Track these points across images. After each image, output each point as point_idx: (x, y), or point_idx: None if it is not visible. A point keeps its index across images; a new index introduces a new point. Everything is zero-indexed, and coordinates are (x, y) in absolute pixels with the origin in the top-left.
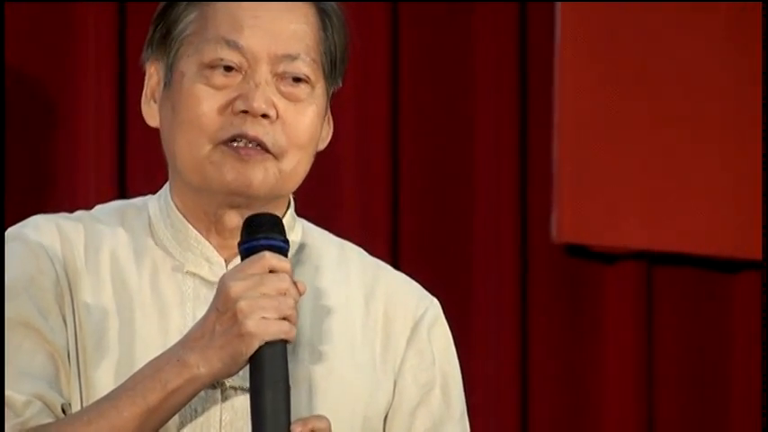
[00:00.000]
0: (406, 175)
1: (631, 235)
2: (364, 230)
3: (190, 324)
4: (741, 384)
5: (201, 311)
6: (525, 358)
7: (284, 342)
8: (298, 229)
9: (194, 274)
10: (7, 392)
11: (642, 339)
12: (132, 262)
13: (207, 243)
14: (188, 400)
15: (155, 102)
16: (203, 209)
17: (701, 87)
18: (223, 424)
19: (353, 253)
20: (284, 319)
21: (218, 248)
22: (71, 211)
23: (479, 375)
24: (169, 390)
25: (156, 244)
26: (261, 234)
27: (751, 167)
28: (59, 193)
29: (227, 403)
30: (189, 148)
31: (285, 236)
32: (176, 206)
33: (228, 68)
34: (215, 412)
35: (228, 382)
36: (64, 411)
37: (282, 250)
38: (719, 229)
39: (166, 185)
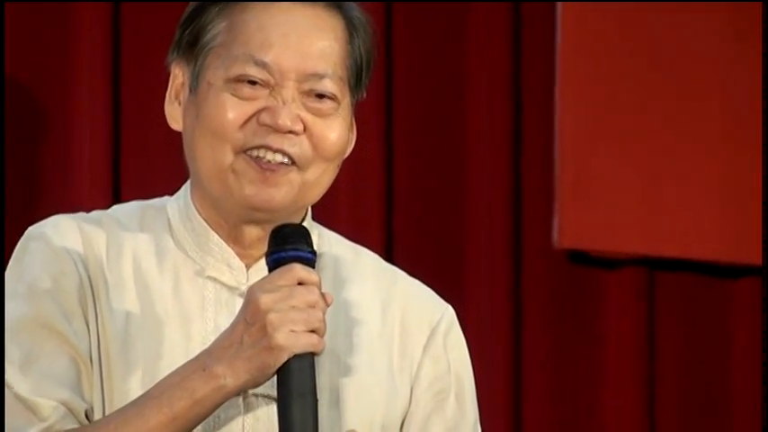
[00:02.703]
0: (401, 181)
1: (633, 241)
2: (357, 235)
3: (211, 329)
4: (742, 390)
5: (222, 317)
6: (522, 364)
7: (312, 354)
8: (314, 235)
9: (215, 279)
10: (31, 397)
11: (643, 345)
12: (154, 265)
13: (228, 248)
14: (214, 409)
15: (179, 104)
16: (223, 219)
17: (704, 91)
18: (246, 431)
19: (369, 259)
20: (312, 331)
21: (239, 255)
22: (65, 212)
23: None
24: (195, 399)
25: (177, 246)
26: (289, 245)
27: (752, 173)
28: (52, 197)
29: (250, 410)
30: (212, 156)
31: (312, 247)
32: (197, 210)
33: (254, 82)
34: (237, 420)
35: (251, 390)
36: (87, 417)
37: (310, 261)
38: (721, 235)
39: (185, 187)
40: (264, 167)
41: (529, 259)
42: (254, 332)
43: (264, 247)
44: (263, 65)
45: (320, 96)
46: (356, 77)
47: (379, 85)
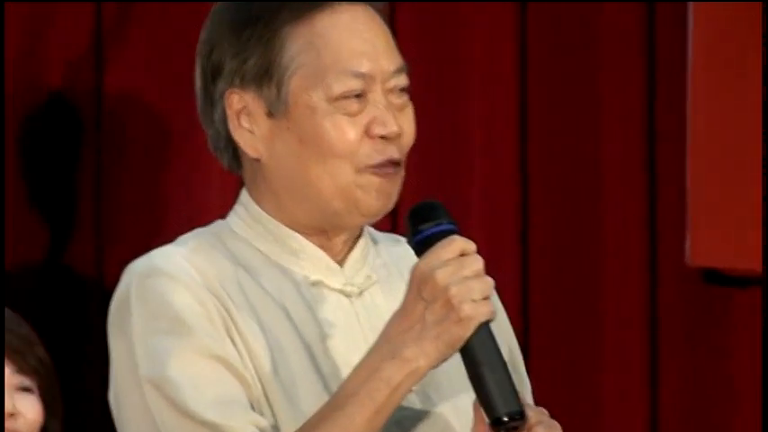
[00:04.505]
0: (536, 197)
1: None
2: (492, 251)
3: (328, 332)
4: None
5: (334, 318)
6: (656, 380)
7: (487, 322)
8: (366, 235)
9: (320, 283)
10: (222, 422)
11: None
12: (262, 281)
13: (321, 252)
14: (406, 394)
15: (250, 132)
16: (324, 230)
17: None
18: (394, 428)
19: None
20: (485, 298)
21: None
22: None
23: (609, 396)
24: (393, 386)
25: (270, 260)
26: (431, 222)
27: None
28: (180, 213)
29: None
30: (331, 178)
31: (451, 217)
32: (278, 222)
33: (359, 95)
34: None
35: None
36: None
37: (457, 231)
38: None
39: (242, 206)
40: (386, 176)
41: (663, 277)
42: (438, 309)
43: (347, 248)
44: (360, 75)
45: (400, 90)
46: None
47: (512, 91)
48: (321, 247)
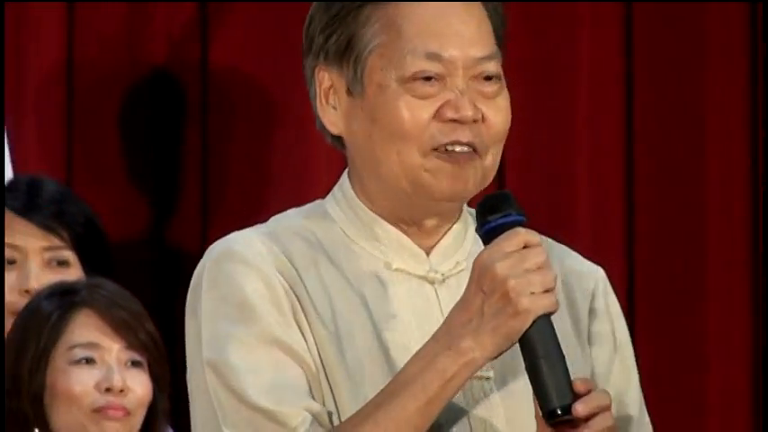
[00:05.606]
0: (641, 180)
1: None
2: (598, 240)
3: (407, 320)
4: None
5: (412, 305)
6: (764, 359)
7: (548, 315)
8: (470, 218)
9: (403, 271)
10: (275, 407)
11: None
12: (342, 266)
13: (407, 238)
14: (461, 386)
15: (334, 108)
16: (403, 213)
17: None
18: (471, 416)
19: None
20: (547, 291)
21: (417, 244)
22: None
23: (714, 384)
24: (447, 378)
25: (356, 246)
26: (499, 213)
27: None
28: (286, 192)
29: (467, 392)
30: (399, 158)
31: (520, 209)
32: (366, 206)
33: (429, 78)
34: (459, 402)
35: None
36: (330, 421)
37: (524, 224)
38: None
39: (340, 188)
40: (457, 158)
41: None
42: (495, 301)
43: (439, 235)
44: (436, 58)
45: (487, 78)
46: (499, 43)
47: (619, 91)
48: (407, 233)
